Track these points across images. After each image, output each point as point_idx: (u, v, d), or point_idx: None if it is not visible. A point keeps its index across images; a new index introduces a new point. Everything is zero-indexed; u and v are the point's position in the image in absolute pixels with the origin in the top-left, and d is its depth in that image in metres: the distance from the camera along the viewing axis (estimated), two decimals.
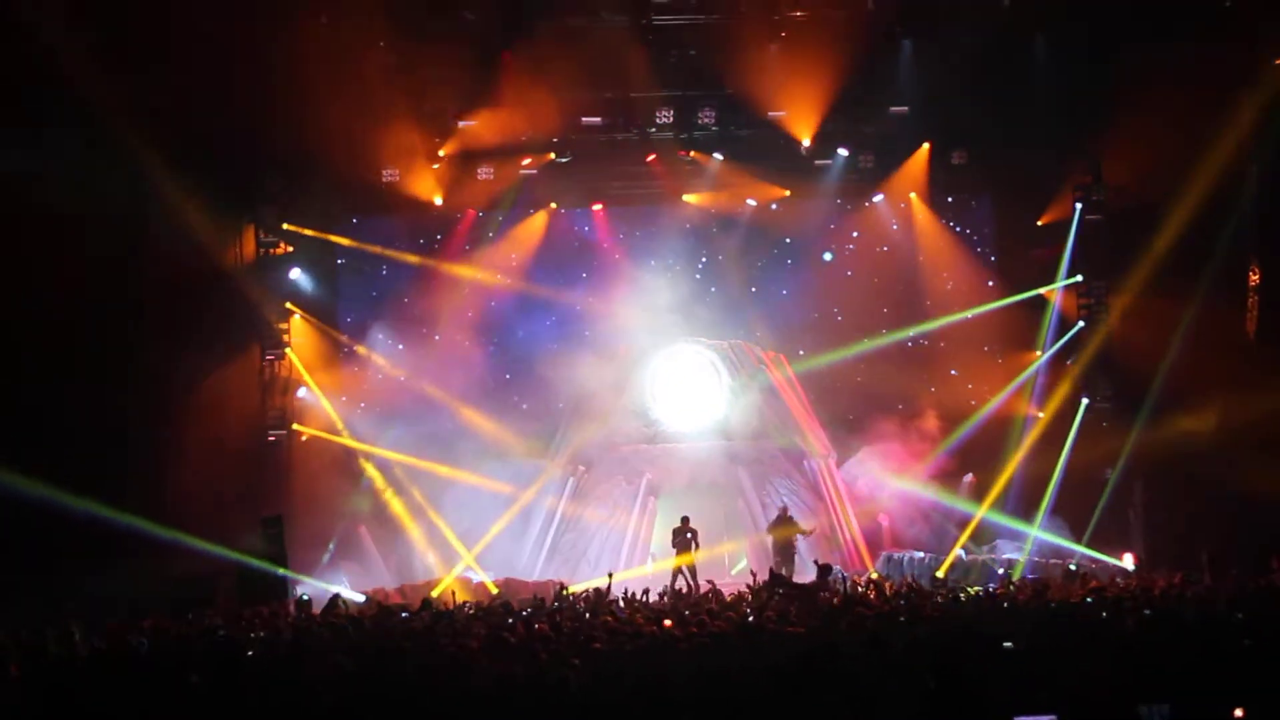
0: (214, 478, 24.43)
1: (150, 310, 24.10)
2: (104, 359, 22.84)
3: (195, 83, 23.06)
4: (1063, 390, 28.22)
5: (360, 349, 28.53)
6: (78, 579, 20.59)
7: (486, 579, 25.96)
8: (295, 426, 27.43)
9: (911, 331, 29.73)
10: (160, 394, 23.91)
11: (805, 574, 23.68)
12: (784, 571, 24.25)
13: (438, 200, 28.63)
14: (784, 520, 26.07)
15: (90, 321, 22.46)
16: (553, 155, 28.30)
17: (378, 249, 29.10)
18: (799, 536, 25.82)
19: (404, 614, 19.46)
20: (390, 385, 28.87)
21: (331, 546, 27.23)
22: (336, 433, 27.90)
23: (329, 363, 28.43)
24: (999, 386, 28.96)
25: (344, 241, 28.55)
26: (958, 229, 29.98)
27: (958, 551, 26.80)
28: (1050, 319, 28.58)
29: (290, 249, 27.64)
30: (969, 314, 29.34)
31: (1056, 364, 28.53)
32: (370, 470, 27.94)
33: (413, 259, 29.22)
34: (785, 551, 25.50)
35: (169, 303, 24.30)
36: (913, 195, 29.49)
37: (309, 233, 27.65)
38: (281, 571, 23.87)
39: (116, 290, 23.19)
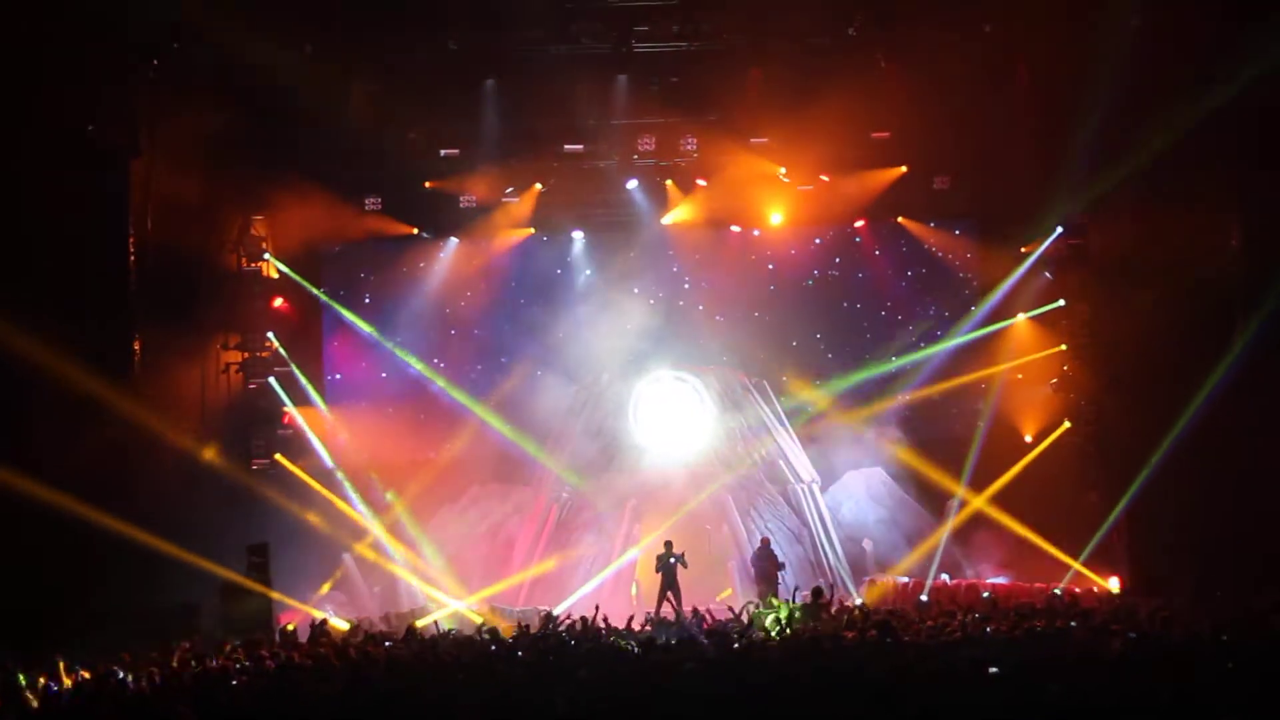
0: (198, 504, 24.35)
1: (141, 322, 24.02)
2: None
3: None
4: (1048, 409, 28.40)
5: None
6: (60, 608, 20.50)
7: (468, 610, 25.86)
8: (277, 457, 27.28)
9: (896, 363, 29.69)
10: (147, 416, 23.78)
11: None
12: (771, 600, 24.32)
13: (416, 230, 28.80)
14: (766, 550, 26.16)
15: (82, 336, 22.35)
16: (538, 185, 28.35)
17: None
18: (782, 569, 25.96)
19: (388, 643, 19.42)
20: (374, 411, 28.85)
21: (338, 574, 27.23)
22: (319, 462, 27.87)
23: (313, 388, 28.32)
24: (978, 406, 29.05)
25: (316, 291, 28.31)
26: (940, 254, 30.00)
27: (941, 576, 26.87)
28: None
29: (275, 275, 27.59)
30: (951, 342, 29.35)
31: (1037, 383, 28.60)
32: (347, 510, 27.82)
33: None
34: (768, 579, 25.56)
35: (160, 321, 24.23)
36: (900, 219, 29.56)
37: (284, 269, 27.48)
38: (274, 596, 23.92)
39: (110, 302, 23.11)
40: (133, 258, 23.37)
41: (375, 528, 27.69)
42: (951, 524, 27.80)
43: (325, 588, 26.97)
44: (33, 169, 21.30)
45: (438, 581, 27.26)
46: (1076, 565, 25.96)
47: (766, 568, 25.79)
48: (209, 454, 24.78)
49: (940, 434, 29.24)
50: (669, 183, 28.51)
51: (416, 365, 29.00)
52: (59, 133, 21.87)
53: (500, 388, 29.41)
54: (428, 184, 27.86)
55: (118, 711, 13.24)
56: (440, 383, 29.02)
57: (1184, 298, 23.95)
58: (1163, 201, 24.07)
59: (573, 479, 28.56)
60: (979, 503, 27.59)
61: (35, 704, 14.08)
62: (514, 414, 29.10)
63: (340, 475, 27.93)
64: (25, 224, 21.37)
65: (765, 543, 26.51)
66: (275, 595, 24.56)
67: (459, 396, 28.99)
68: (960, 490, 27.83)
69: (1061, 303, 28.02)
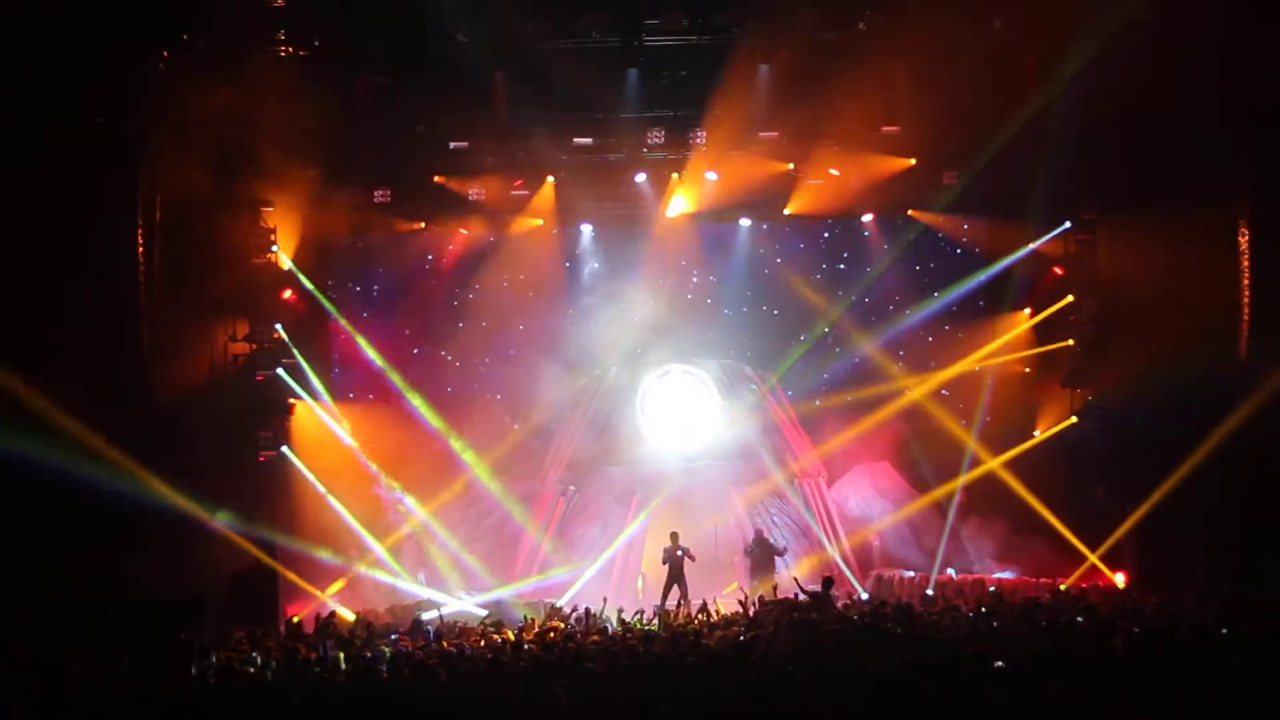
0: (206, 495, 24.37)
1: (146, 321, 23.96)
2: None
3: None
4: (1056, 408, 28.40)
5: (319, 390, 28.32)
6: (67, 598, 20.51)
7: (473, 605, 25.84)
8: (284, 450, 27.24)
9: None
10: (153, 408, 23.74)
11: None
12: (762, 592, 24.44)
13: (424, 224, 28.90)
14: (760, 542, 26.31)
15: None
16: (550, 178, 28.33)
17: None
18: (775, 556, 26.11)
19: (393, 635, 19.46)
20: (379, 404, 28.86)
21: (350, 574, 27.18)
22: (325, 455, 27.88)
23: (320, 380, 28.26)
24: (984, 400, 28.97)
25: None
26: (949, 249, 29.96)
27: (946, 570, 26.89)
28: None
29: (284, 267, 27.50)
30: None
31: (1048, 379, 28.63)
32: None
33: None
34: (764, 569, 25.77)
35: (168, 313, 24.18)
36: (911, 212, 29.47)
37: (289, 264, 27.40)
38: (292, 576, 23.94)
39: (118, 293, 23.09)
40: (141, 249, 23.37)
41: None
42: (952, 517, 27.80)
43: (338, 585, 26.86)
44: (41, 160, 21.29)
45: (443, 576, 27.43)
46: (1094, 559, 25.94)
47: (762, 558, 26.01)
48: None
49: (945, 427, 29.18)
50: (676, 176, 28.46)
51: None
52: (67, 124, 21.86)
53: (510, 379, 29.49)
54: (437, 177, 27.86)
55: (126, 700, 13.28)
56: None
57: (1192, 294, 23.92)
58: (1169, 199, 23.98)
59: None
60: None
61: (42, 692, 14.09)
62: (519, 409, 29.23)
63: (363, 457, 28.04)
64: (33, 215, 21.34)
65: (759, 533, 26.72)
66: (292, 576, 24.68)
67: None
68: (961, 481, 27.95)
69: (1070, 299, 27.98)
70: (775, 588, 24.03)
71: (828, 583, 22.27)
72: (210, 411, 25.47)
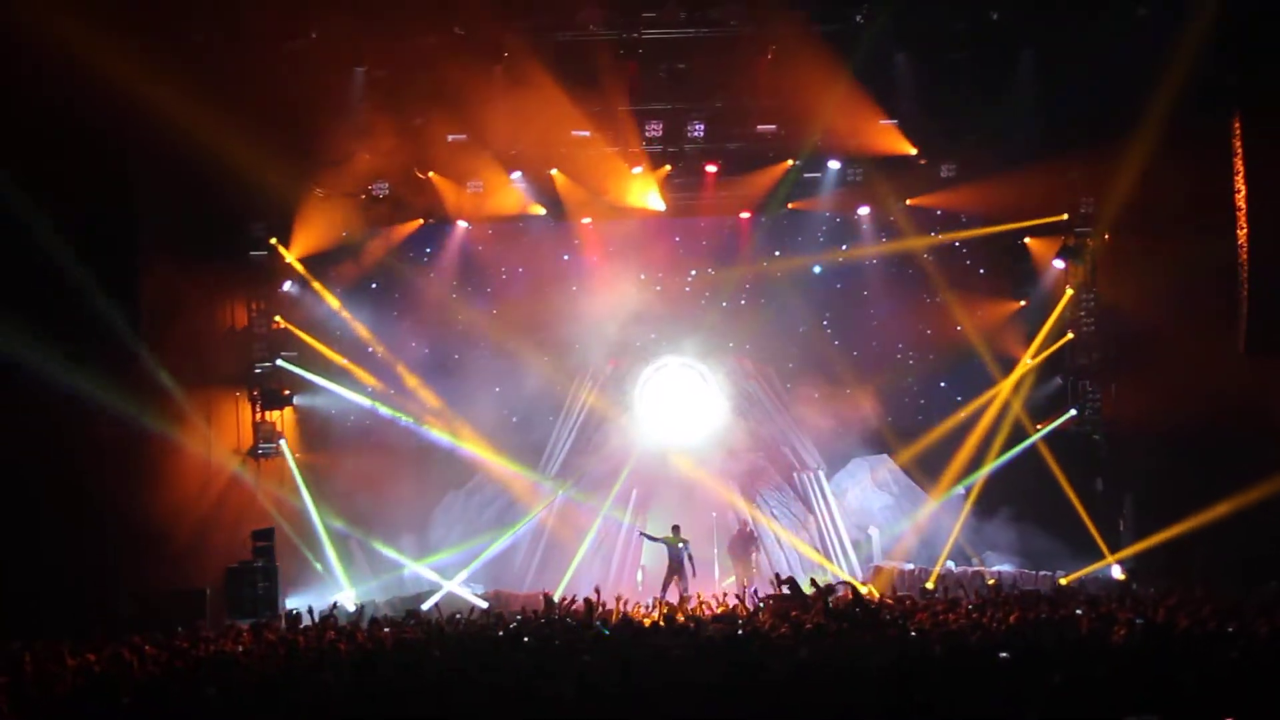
0: (202, 491, 24.40)
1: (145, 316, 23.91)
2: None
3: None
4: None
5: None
6: (66, 592, 20.51)
7: (472, 596, 25.88)
8: (282, 444, 27.27)
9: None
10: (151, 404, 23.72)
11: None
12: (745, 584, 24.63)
13: (423, 219, 28.88)
14: (744, 534, 26.43)
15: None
16: (553, 171, 28.28)
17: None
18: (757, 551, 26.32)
19: (386, 629, 19.46)
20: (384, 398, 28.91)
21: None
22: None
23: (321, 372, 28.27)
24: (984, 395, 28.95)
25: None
26: (947, 241, 29.93)
27: (946, 563, 26.92)
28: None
29: (285, 259, 27.50)
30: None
31: (1047, 373, 28.65)
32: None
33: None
34: (745, 562, 25.96)
35: (168, 307, 24.15)
36: (908, 201, 29.39)
37: (289, 258, 27.42)
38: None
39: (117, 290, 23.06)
40: (141, 242, 23.34)
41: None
42: (963, 514, 27.80)
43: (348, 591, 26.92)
44: (40, 153, 21.23)
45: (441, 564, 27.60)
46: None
47: (745, 551, 26.41)
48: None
49: (945, 420, 29.24)
50: (668, 168, 28.37)
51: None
52: (65, 120, 21.80)
53: (509, 373, 29.46)
54: (433, 171, 27.80)
55: (125, 693, 13.25)
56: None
57: (1192, 287, 23.95)
58: (1167, 188, 23.99)
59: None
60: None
61: (40, 686, 14.07)
62: (518, 402, 29.25)
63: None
64: (33, 214, 21.27)
65: (744, 525, 27.02)
66: (279, 581, 24.72)
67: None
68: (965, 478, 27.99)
69: (1070, 293, 27.99)
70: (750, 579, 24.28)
71: (828, 589, 21.95)
72: (209, 403, 25.55)
